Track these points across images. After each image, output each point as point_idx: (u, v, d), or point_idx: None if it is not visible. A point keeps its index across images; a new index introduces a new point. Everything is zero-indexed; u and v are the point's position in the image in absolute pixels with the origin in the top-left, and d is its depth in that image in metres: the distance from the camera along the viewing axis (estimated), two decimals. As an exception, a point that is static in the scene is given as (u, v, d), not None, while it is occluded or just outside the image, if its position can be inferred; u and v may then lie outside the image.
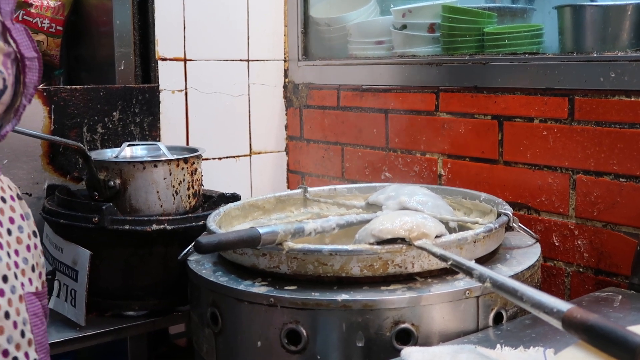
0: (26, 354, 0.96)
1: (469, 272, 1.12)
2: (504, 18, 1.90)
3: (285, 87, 2.38)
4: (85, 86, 1.88)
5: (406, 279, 1.23)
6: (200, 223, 1.57)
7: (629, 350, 0.83)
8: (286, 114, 2.40)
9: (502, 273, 1.22)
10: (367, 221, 1.34)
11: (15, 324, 0.94)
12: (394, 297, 1.16)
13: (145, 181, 1.61)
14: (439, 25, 1.90)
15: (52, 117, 1.81)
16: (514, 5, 2.01)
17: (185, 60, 2.14)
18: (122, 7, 1.98)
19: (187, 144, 2.15)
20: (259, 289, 1.22)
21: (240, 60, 2.27)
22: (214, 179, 2.14)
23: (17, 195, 1.06)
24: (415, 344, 1.15)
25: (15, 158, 1.77)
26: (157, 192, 1.62)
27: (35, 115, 1.78)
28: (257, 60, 2.31)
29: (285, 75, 2.38)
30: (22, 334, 0.96)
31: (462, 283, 1.21)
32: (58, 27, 2.00)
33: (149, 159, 1.65)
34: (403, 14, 1.96)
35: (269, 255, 1.25)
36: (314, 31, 2.33)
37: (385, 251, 1.21)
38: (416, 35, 1.95)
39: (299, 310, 1.17)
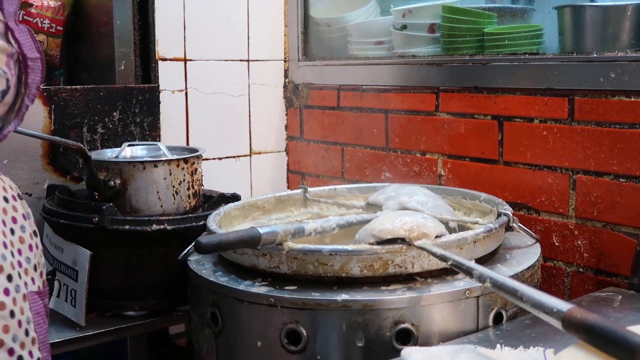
0: (30, 353, 0.96)
1: (469, 272, 1.12)
2: (504, 18, 1.90)
3: (285, 87, 2.39)
4: (86, 86, 1.88)
5: (406, 279, 1.23)
6: (201, 223, 1.57)
7: (629, 350, 0.83)
8: (286, 114, 2.40)
9: (502, 273, 1.22)
10: (367, 221, 1.34)
11: (19, 323, 0.95)
12: (394, 297, 1.16)
13: (145, 181, 1.61)
14: (439, 25, 1.90)
15: (52, 117, 1.82)
16: (514, 6, 2.01)
17: (185, 60, 2.14)
18: (122, 7, 1.98)
19: (187, 144, 2.15)
20: (259, 289, 1.22)
21: (241, 60, 2.27)
22: (214, 179, 2.14)
23: (18, 195, 1.06)
24: (415, 344, 1.16)
25: (16, 158, 1.77)
26: (157, 192, 1.62)
27: (36, 115, 1.78)
28: (257, 61, 2.31)
29: (286, 76, 2.38)
30: (26, 333, 0.96)
31: (462, 283, 1.21)
32: (58, 27, 2.00)
33: (149, 159, 1.65)
34: (403, 14, 1.96)
35: (269, 255, 1.25)
36: (314, 31, 2.33)
37: (385, 251, 1.21)
38: (416, 36, 1.95)
39: (299, 310, 1.17)
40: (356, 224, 1.41)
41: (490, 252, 1.35)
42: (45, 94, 1.80)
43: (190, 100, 2.16)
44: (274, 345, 1.20)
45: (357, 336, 1.16)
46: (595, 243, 1.55)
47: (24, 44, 1.02)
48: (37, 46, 1.03)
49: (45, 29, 1.98)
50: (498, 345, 1.06)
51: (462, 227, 1.47)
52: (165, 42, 2.08)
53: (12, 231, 1.00)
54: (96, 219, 1.53)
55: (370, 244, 1.22)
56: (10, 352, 0.93)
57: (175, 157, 1.67)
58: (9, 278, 0.95)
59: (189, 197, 1.68)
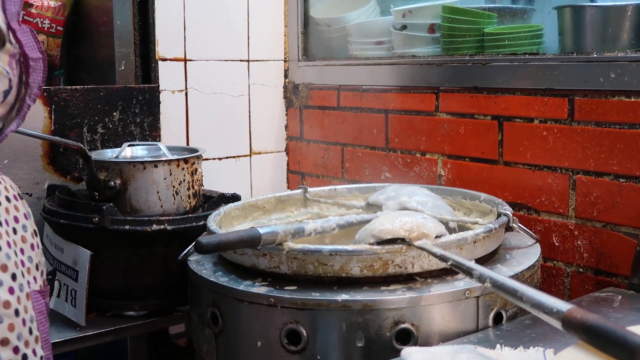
0: (34, 351, 0.97)
1: (468, 272, 1.12)
2: (504, 18, 1.90)
3: (285, 87, 2.39)
4: (86, 86, 1.88)
5: (406, 279, 1.23)
6: (201, 223, 1.57)
7: (629, 350, 0.83)
8: (286, 114, 2.40)
9: (502, 273, 1.23)
10: (367, 221, 1.34)
11: (24, 322, 0.96)
12: (394, 297, 1.16)
13: (145, 181, 1.61)
14: (439, 25, 1.90)
15: (53, 117, 1.82)
16: (514, 6, 2.01)
17: (185, 60, 2.14)
18: (123, 8, 1.98)
19: (187, 144, 2.15)
20: (259, 289, 1.22)
21: (241, 60, 2.27)
22: (214, 179, 2.14)
23: (18, 194, 1.07)
24: (415, 344, 1.16)
25: (16, 158, 1.77)
26: (158, 192, 1.62)
27: (36, 116, 1.78)
28: (257, 61, 2.31)
29: (286, 76, 2.38)
30: (30, 331, 0.97)
31: (462, 283, 1.21)
32: (58, 28, 2.00)
33: (149, 159, 1.65)
34: (403, 15, 1.96)
35: (269, 255, 1.25)
36: (314, 31, 2.33)
37: (385, 251, 1.21)
38: (416, 36, 1.95)
39: (299, 311, 1.18)
40: (356, 224, 1.41)
41: (490, 252, 1.35)
42: (45, 94, 1.80)
43: (190, 101, 2.16)
44: (274, 345, 1.20)
45: (357, 336, 1.16)
46: (595, 243, 1.55)
47: (26, 44, 1.02)
48: (39, 46, 1.04)
49: (46, 29, 1.98)
50: (498, 346, 1.06)
51: (462, 228, 1.47)
52: (165, 42, 2.08)
53: (15, 230, 1.01)
54: (96, 219, 1.53)
55: (370, 244, 1.22)
56: (16, 350, 0.93)
57: (176, 157, 1.67)
58: (13, 277, 0.95)
59: (189, 197, 1.68)
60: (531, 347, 1.04)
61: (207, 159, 2.17)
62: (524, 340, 1.11)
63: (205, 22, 2.17)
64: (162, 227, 1.55)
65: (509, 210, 1.42)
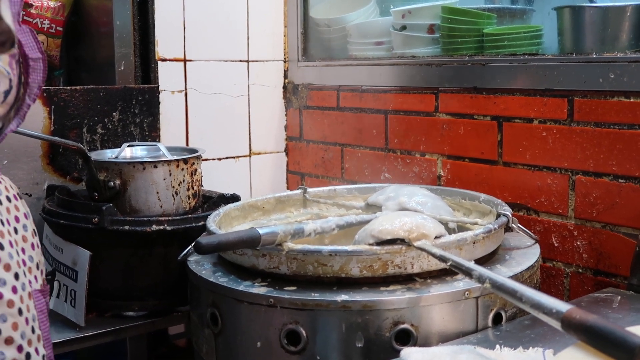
0: (36, 350, 0.98)
1: (468, 272, 1.12)
2: (503, 19, 1.90)
3: (285, 87, 2.39)
4: (85, 87, 1.88)
5: (405, 279, 1.23)
6: (200, 224, 1.57)
7: (628, 350, 0.83)
8: (286, 115, 2.40)
9: (502, 274, 1.23)
10: (367, 222, 1.34)
11: (27, 321, 0.96)
12: (394, 297, 1.16)
13: (145, 182, 1.61)
14: (438, 26, 1.91)
15: (52, 117, 1.82)
16: (513, 6, 2.01)
17: (185, 60, 2.14)
18: (122, 8, 1.98)
19: (187, 144, 2.15)
20: (259, 289, 1.22)
21: (240, 60, 2.28)
22: (213, 180, 2.14)
23: (18, 194, 1.07)
24: (414, 345, 1.16)
25: (15, 158, 1.77)
26: (157, 192, 1.62)
27: (36, 116, 1.78)
28: (257, 61, 2.31)
29: (285, 76, 2.39)
30: (33, 330, 0.98)
31: (461, 284, 1.21)
32: (58, 28, 2.00)
33: (149, 160, 1.65)
34: (403, 15, 1.96)
35: (268, 255, 1.25)
36: (314, 32, 2.33)
37: (384, 252, 1.21)
38: (416, 36, 1.95)
39: (299, 311, 1.18)
40: (356, 224, 1.41)
41: (490, 252, 1.35)
42: (45, 94, 1.80)
43: (189, 101, 2.16)
44: (273, 345, 1.20)
45: (356, 337, 1.16)
46: (595, 244, 1.55)
47: (26, 45, 1.02)
48: (39, 47, 1.04)
49: (45, 29, 1.98)
50: (497, 346, 1.06)
51: (461, 228, 1.47)
52: (165, 42, 2.09)
53: (16, 230, 1.01)
54: (96, 219, 1.53)
55: (370, 244, 1.22)
56: (19, 349, 0.94)
57: (175, 157, 1.67)
58: (16, 276, 0.96)
59: (189, 198, 1.68)
60: (530, 348, 1.05)
61: (206, 160, 2.17)
62: (524, 340, 1.11)
63: (205, 23, 2.17)
64: (161, 227, 1.55)
65: (508, 211, 1.42)
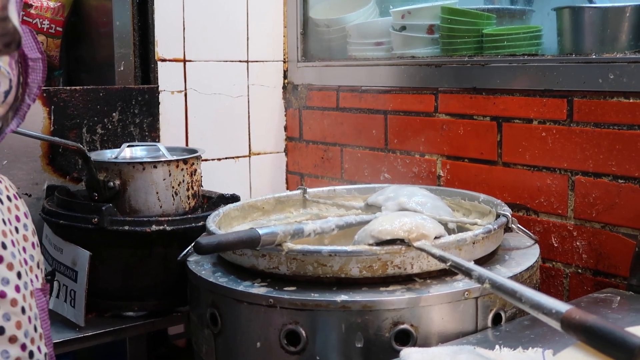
0: (39, 348, 0.99)
1: (468, 273, 1.12)
2: (502, 19, 1.90)
3: (284, 88, 2.39)
4: (85, 87, 1.88)
5: (405, 279, 1.23)
6: (200, 224, 1.57)
7: (628, 351, 0.83)
8: (285, 115, 2.40)
9: (501, 274, 1.23)
10: (367, 222, 1.34)
11: (29, 319, 0.97)
12: (393, 298, 1.16)
13: (144, 182, 1.61)
14: (438, 26, 1.91)
15: (52, 117, 1.82)
16: (512, 7, 2.01)
17: (184, 61, 2.14)
18: (122, 8, 1.98)
19: (187, 144, 2.15)
20: (259, 289, 1.22)
21: (240, 61, 2.28)
22: (213, 180, 2.14)
23: (16, 194, 1.08)
24: (414, 345, 1.16)
25: (15, 159, 1.77)
26: (157, 192, 1.62)
27: (35, 116, 1.78)
28: (257, 61, 2.31)
29: (285, 76, 2.39)
30: (35, 329, 0.98)
31: (461, 284, 1.21)
32: (58, 28, 2.00)
33: (149, 160, 1.65)
34: (402, 15, 1.97)
35: (268, 256, 1.25)
36: (314, 32, 2.33)
37: (384, 252, 1.21)
38: (415, 37, 1.95)
39: (299, 311, 1.18)
40: (355, 224, 1.41)
41: (489, 253, 1.35)
42: (44, 94, 1.81)
43: (189, 101, 2.16)
44: (273, 346, 1.20)
45: (356, 337, 1.16)
46: (594, 244, 1.55)
47: (25, 45, 1.02)
48: (38, 47, 1.04)
49: (45, 29, 1.98)
50: (497, 346, 1.06)
51: (461, 228, 1.47)
52: (165, 43, 2.09)
53: (17, 229, 1.01)
54: (96, 219, 1.53)
55: (370, 244, 1.22)
56: (23, 347, 0.95)
57: (175, 157, 1.67)
58: (19, 275, 0.96)
59: (189, 198, 1.68)
60: (530, 348, 1.05)
61: (206, 160, 2.17)
62: (523, 341, 1.11)
63: (205, 23, 2.18)
64: (161, 227, 1.55)
65: (508, 211, 1.42)
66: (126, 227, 1.54)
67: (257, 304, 1.21)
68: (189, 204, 1.69)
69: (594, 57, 1.53)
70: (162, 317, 1.65)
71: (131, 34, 2.00)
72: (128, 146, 1.77)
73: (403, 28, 1.97)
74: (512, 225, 1.40)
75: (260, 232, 1.21)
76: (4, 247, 0.95)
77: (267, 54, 2.34)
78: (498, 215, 1.42)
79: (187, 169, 1.67)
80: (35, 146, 1.80)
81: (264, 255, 1.26)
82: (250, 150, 2.33)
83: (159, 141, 2.02)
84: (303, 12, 2.33)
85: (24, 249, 1.02)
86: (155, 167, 1.62)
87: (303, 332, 1.18)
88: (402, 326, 1.16)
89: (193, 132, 2.17)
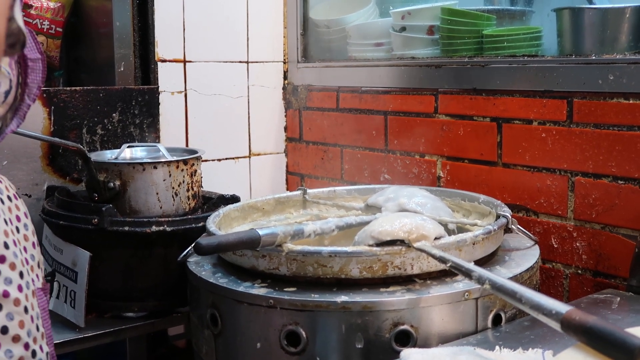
0: (41, 347, 0.99)
1: (468, 273, 1.12)
2: (502, 20, 1.90)
3: (284, 88, 2.39)
4: (85, 87, 1.89)
5: (405, 280, 1.23)
6: (200, 224, 1.57)
7: (628, 352, 0.83)
8: (285, 116, 2.40)
9: (501, 275, 1.23)
10: (367, 223, 1.34)
11: (32, 318, 0.97)
12: (393, 298, 1.16)
13: (144, 183, 1.61)
14: (438, 27, 1.91)
15: (52, 118, 1.82)
16: (512, 8, 2.01)
17: (184, 61, 2.14)
18: (122, 9, 1.98)
19: (187, 145, 2.15)
20: (259, 290, 1.22)
21: (240, 61, 2.28)
22: (213, 181, 2.14)
23: (16, 194, 1.08)
24: (414, 346, 1.16)
25: (15, 159, 1.77)
26: (157, 193, 1.62)
27: (35, 117, 1.78)
28: (257, 62, 2.31)
29: (285, 77, 2.39)
30: (37, 328, 0.99)
31: (461, 285, 1.21)
32: (58, 29, 2.00)
33: (149, 161, 1.65)
34: (402, 16, 1.97)
35: (268, 256, 1.25)
36: (314, 33, 2.33)
37: (384, 253, 1.21)
38: (415, 38, 1.95)
39: (299, 312, 1.18)
40: (355, 225, 1.41)
41: (489, 253, 1.35)
42: (45, 95, 1.81)
43: (189, 102, 2.16)
44: (273, 346, 1.20)
45: (356, 338, 1.16)
46: (594, 245, 1.56)
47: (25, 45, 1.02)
48: (38, 47, 1.05)
49: (45, 30, 1.98)
50: (497, 347, 1.06)
51: (461, 229, 1.47)
52: (165, 43, 2.09)
53: (17, 229, 1.02)
54: (96, 220, 1.53)
55: (370, 245, 1.22)
56: (26, 346, 0.95)
57: (175, 158, 1.67)
58: (21, 275, 0.97)
59: (189, 199, 1.68)
60: (530, 349, 1.05)
61: (206, 160, 2.17)
62: (523, 341, 1.11)
63: (205, 24, 2.18)
64: (161, 228, 1.55)
65: (507, 212, 1.42)
66: (126, 228, 1.54)
67: (258, 304, 1.21)
68: (189, 204, 1.69)
69: (593, 58, 1.53)
70: (162, 318, 1.65)
71: (131, 34, 2.00)
72: (128, 147, 1.77)
73: (403, 29, 1.97)
74: (512, 226, 1.40)
75: (261, 232, 1.21)
76: (7, 246, 0.95)
77: (267, 54, 2.34)
78: (498, 216, 1.42)
79: (187, 169, 1.67)
80: (35, 147, 1.80)
81: (264, 256, 1.26)
82: (250, 151, 2.33)
83: (159, 142, 2.02)
84: (303, 13, 2.33)
85: (24, 248, 1.02)
86: (155, 167, 1.62)
87: (303, 333, 1.18)
88: (402, 327, 1.16)
89: (193, 133, 2.17)
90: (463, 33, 1.84)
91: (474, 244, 1.28)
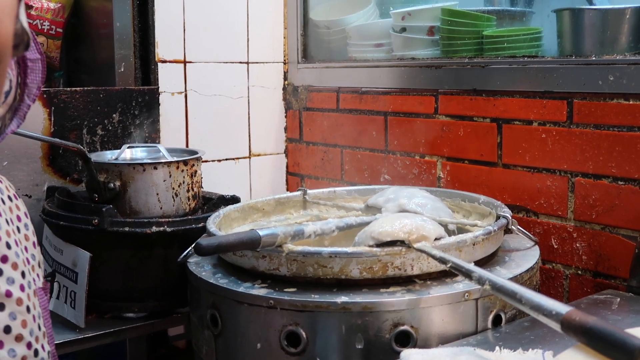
0: (43, 346, 0.99)
1: (468, 274, 1.13)
2: (503, 21, 1.90)
3: (284, 89, 2.39)
4: (85, 88, 1.89)
5: (405, 281, 1.23)
6: (200, 225, 1.57)
7: (628, 352, 0.83)
8: (285, 116, 2.40)
9: (501, 275, 1.23)
10: (367, 223, 1.34)
11: (34, 318, 0.97)
12: (393, 299, 1.16)
13: (145, 183, 1.61)
14: (438, 28, 1.91)
15: (52, 119, 1.82)
16: (513, 9, 2.01)
17: (185, 62, 2.15)
18: (122, 9, 1.98)
19: (187, 146, 2.15)
20: (259, 291, 1.22)
21: (240, 62, 2.28)
22: (213, 181, 2.14)
23: (16, 194, 1.08)
24: (414, 346, 1.16)
25: (15, 160, 1.77)
26: (157, 194, 1.62)
27: (36, 117, 1.78)
28: (257, 63, 2.31)
29: (285, 78, 2.39)
30: (39, 327, 0.99)
31: (461, 285, 1.21)
32: (58, 29, 2.00)
33: (149, 161, 1.65)
34: (402, 17, 1.97)
35: (268, 257, 1.25)
36: (314, 34, 2.34)
37: (384, 253, 1.21)
38: (415, 38, 1.95)
39: (299, 312, 1.18)
40: (355, 226, 1.41)
41: (489, 254, 1.35)
42: (45, 95, 1.81)
43: (189, 102, 2.16)
44: (273, 347, 1.20)
45: (356, 338, 1.16)
46: (594, 245, 1.56)
47: None
48: (38, 47, 1.05)
49: (45, 30, 1.98)
50: (497, 348, 1.06)
51: (461, 230, 1.47)
52: (165, 44, 2.09)
53: (18, 229, 1.02)
54: (96, 220, 1.53)
55: (370, 246, 1.22)
56: (29, 345, 0.95)
57: (175, 159, 1.67)
58: (23, 274, 0.97)
59: (189, 199, 1.68)
60: (530, 349, 1.05)
61: (206, 161, 2.17)
62: (523, 342, 1.11)
63: (205, 24, 2.18)
64: (161, 229, 1.55)
65: (508, 213, 1.42)
66: (126, 229, 1.54)
67: (258, 305, 1.21)
68: (189, 205, 1.69)
69: (593, 58, 1.53)
70: (162, 318, 1.65)
71: (131, 35, 2.01)
72: (128, 147, 1.77)
73: (403, 29, 1.98)
74: (512, 226, 1.40)
75: (261, 233, 1.21)
76: (9, 246, 0.95)
77: (267, 55, 2.34)
78: (498, 217, 1.42)
79: (187, 170, 1.67)
80: (36, 147, 1.80)
81: (265, 257, 1.26)
82: (250, 152, 2.33)
83: (159, 142, 2.02)
84: (303, 14, 2.33)
85: (25, 248, 1.02)
86: (155, 168, 1.62)
87: (303, 334, 1.18)
88: (402, 327, 1.16)
89: (193, 134, 2.17)
90: (463, 34, 1.84)
91: (474, 244, 1.28)
